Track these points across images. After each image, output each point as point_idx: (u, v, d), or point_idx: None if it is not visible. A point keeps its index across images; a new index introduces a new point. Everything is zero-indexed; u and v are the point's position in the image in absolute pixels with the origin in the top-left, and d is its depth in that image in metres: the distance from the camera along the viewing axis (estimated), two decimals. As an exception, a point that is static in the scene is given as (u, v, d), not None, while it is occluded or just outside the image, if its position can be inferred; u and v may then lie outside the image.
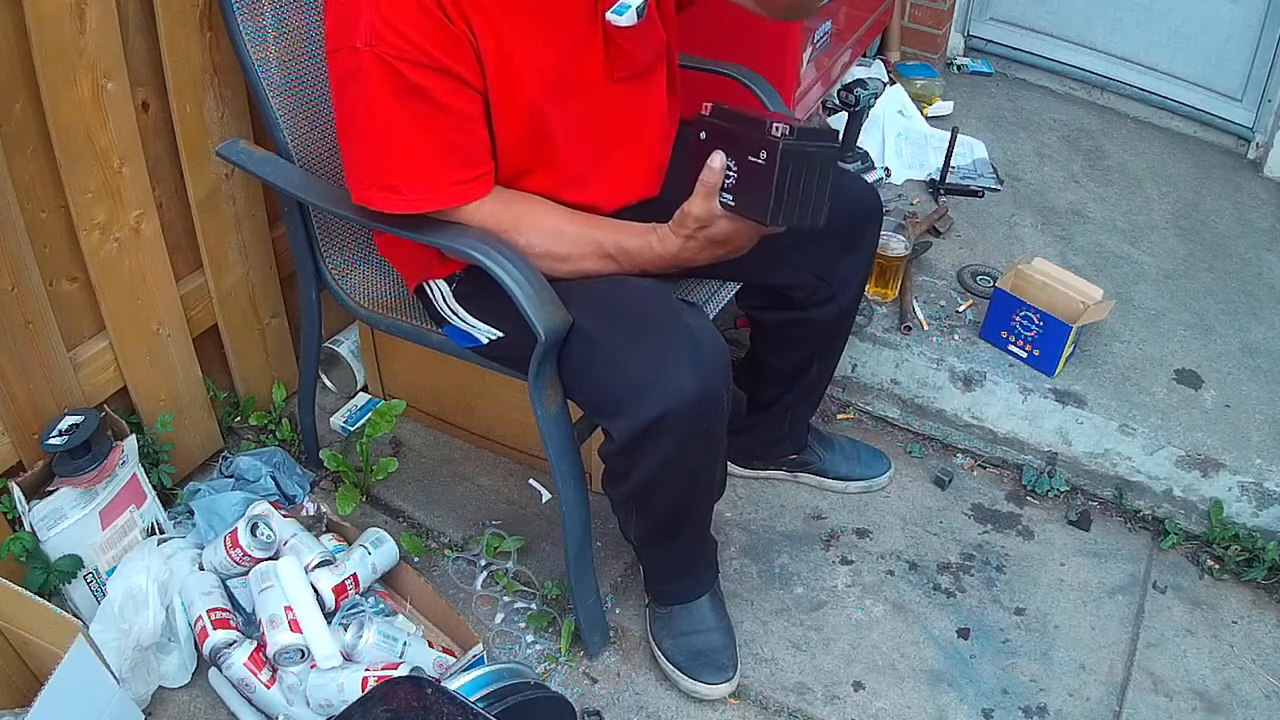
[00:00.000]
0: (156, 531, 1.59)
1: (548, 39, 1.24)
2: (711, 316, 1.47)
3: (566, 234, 1.29)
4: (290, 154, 1.47)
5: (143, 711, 1.43)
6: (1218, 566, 1.78)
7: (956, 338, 1.99)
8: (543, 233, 1.28)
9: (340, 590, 1.50)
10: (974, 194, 2.39)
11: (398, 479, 1.85)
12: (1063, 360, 1.89)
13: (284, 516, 1.61)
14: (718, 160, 1.17)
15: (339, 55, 1.18)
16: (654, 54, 1.39)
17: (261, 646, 1.44)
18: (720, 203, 1.19)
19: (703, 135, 1.19)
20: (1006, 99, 2.82)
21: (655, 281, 1.32)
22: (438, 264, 1.41)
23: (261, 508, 1.59)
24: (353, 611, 1.53)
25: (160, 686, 1.47)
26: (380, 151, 1.21)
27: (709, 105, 1.21)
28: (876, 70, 2.74)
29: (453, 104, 1.19)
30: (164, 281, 1.61)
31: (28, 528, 1.43)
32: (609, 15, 1.28)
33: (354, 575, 1.53)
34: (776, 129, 1.09)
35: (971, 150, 2.52)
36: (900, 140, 2.52)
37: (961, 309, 2.06)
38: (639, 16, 1.29)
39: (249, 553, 1.50)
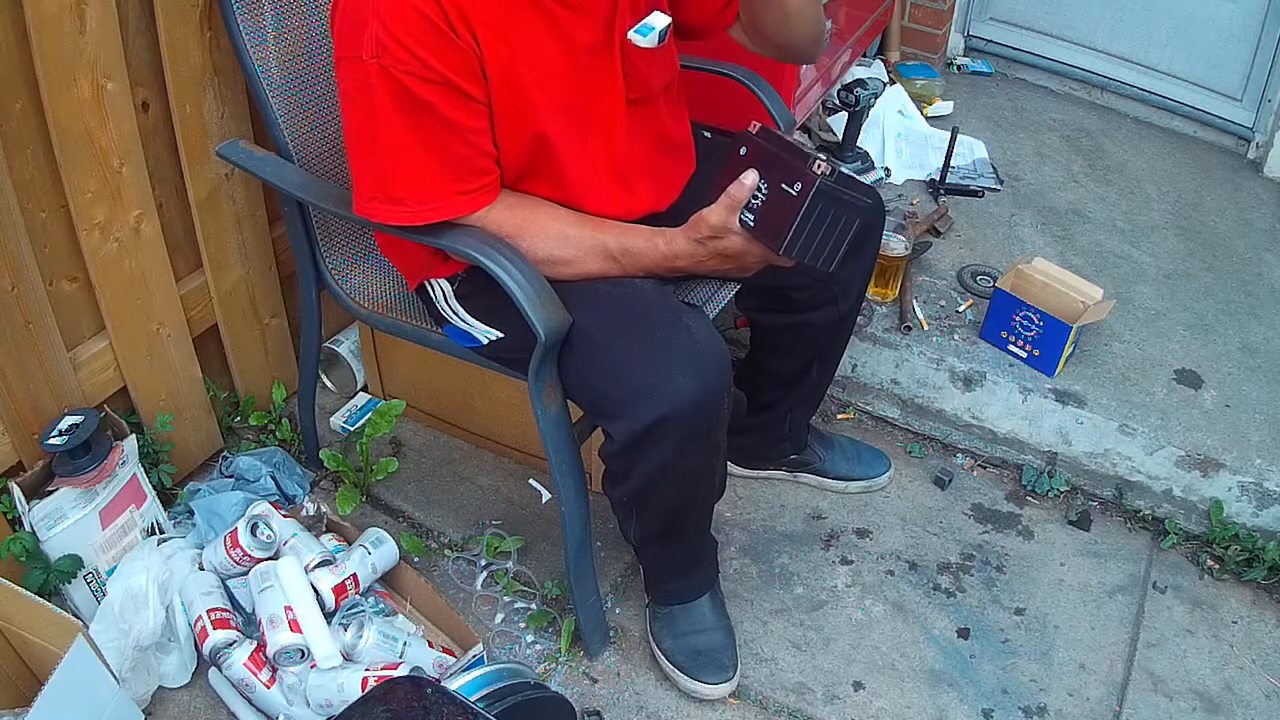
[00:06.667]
0: (156, 531, 1.59)
1: (560, 57, 1.24)
2: (711, 317, 1.47)
3: (570, 238, 1.29)
4: (290, 154, 1.47)
5: (143, 711, 1.43)
6: (1218, 566, 1.78)
7: (956, 338, 1.99)
8: (546, 238, 1.29)
9: (340, 590, 1.50)
10: (974, 194, 2.39)
11: (398, 479, 1.85)
12: (1063, 360, 1.89)
13: (284, 516, 1.61)
14: (750, 178, 1.17)
15: (346, 65, 1.19)
16: (667, 78, 1.40)
17: (261, 646, 1.44)
18: (740, 220, 1.19)
19: (743, 151, 1.19)
20: (1006, 99, 2.82)
21: (656, 283, 1.33)
22: (439, 264, 1.41)
23: (261, 508, 1.59)
24: (353, 611, 1.53)
25: (160, 686, 1.47)
26: (385, 164, 1.21)
27: (756, 124, 1.21)
28: (876, 70, 2.74)
29: (457, 118, 1.19)
30: (164, 281, 1.61)
31: (28, 528, 1.43)
32: (631, 35, 1.28)
33: (354, 575, 1.53)
34: (819, 166, 1.10)
35: (971, 150, 2.52)
36: (900, 140, 2.52)
37: (961, 309, 2.06)
38: (661, 40, 1.30)
39: (249, 553, 1.50)
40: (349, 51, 1.17)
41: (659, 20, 1.30)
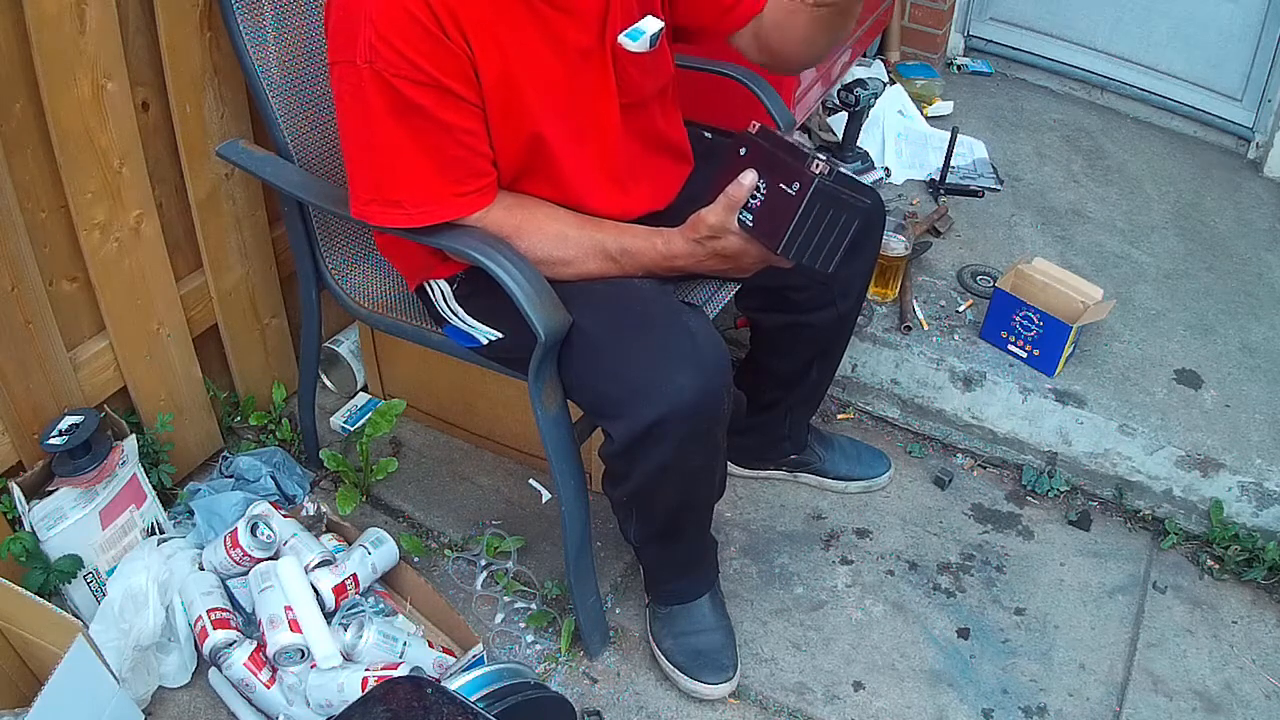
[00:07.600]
0: (156, 531, 1.59)
1: (553, 59, 1.24)
2: (711, 317, 1.47)
3: (569, 238, 1.29)
4: (290, 154, 1.47)
5: (143, 711, 1.43)
6: (1218, 566, 1.78)
7: (956, 338, 1.99)
8: (545, 238, 1.29)
9: (340, 590, 1.50)
10: (974, 194, 2.39)
11: (398, 479, 1.85)
12: (1063, 360, 1.89)
13: (284, 516, 1.61)
14: (749, 178, 1.17)
15: (339, 69, 1.19)
16: (661, 83, 1.40)
17: (261, 646, 1.44)
18: (738, 220, 1.19)
19: (743, 151, 1.19)
20: (1006, 99, 2.82)
21: (656, 283, 1.33)
22: (439, 264, 1.41)
23: (261, 508, 1.59)
24: (353, 611, 1.53)
25: (160, 686, 1.47)
26: (381, 166, 1.22)
27: (756, 124, 1.21)
28: (876, 70, 2.74)
29: (452, 120, 1.19)
30: (164, 281, 1.61)
31: (28, 528, 1.43)
32: (621, 39, 1.28)
33: (354, 575, 1.53)
34: (817, 165, 1.09)
35: (971, 150, 2.52)
36: (900, 140, 2.52)
37: (961, 309, 2.06)
38: (652, 45, 1.30)
39: (249, 553, 1.50)
40: (343, 56, 1.17)
41: (650, 25, 1.30)
